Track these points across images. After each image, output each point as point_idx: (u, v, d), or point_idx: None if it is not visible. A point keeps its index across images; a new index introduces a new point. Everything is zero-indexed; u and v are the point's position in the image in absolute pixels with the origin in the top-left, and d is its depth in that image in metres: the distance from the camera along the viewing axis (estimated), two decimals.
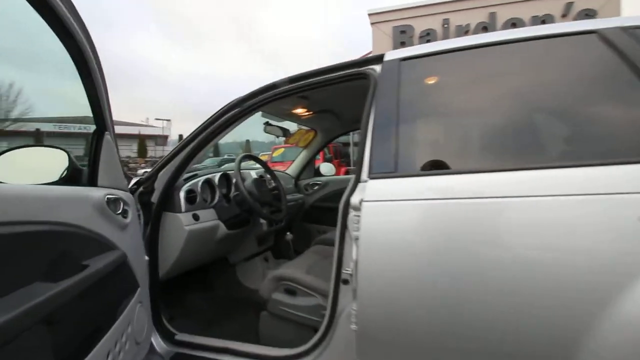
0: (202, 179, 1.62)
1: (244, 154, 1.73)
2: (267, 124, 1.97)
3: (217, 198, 1.66)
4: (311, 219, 2.71)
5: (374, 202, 0.97)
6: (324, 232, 2.64)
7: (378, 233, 0.93)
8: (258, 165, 2.13)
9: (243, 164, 1.73)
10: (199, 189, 1.57)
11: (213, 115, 1.40)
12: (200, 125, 1.41)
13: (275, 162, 9.43)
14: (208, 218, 1.57)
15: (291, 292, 1.36)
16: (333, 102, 1.95)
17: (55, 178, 1.01)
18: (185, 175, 1.57)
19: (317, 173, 2.85)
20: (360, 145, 1.10)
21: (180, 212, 1.45)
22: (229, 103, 1.40)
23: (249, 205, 1.53)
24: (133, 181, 1.39)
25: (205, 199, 1.65)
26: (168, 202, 1.43)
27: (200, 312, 1.82)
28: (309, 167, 2.79)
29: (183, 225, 1.43)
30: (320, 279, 1.36)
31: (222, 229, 1.62)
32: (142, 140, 29.32)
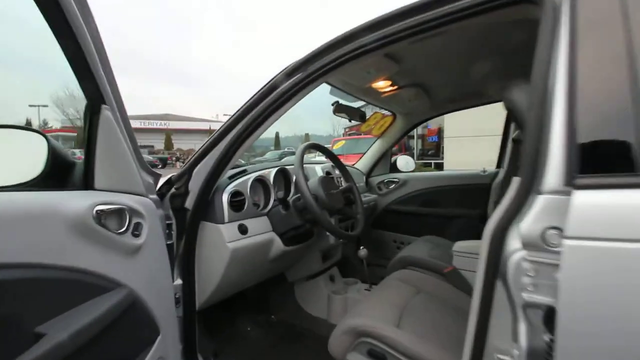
0: (252, 176, 1.21)
1: (309, 142, 1.28)
2: (337, 103, 1.50)
3: (271, 202, 1.24)
4: (385, 225, 2.19)
5: (598, 240, 0.45)
6: (401, 242, 2.12)
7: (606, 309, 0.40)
8: (324, 159, 1.66)
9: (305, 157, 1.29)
10: (248, 191, 1.16)
11: (264, 86, 0.97)
12: (246, 102, 0.98)
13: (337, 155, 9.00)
14: (259, 230, 1.16)
15: (378, 357, 0.88)
16: (430, 69, 1.39)
17: (27, 178, 0.65)
18: (230, 172, 1.18)
19: (393, 168, 2.30)
20: (534, 120, 0.56)
21: (222, 222, 1.05)
22: (285, 68, 0.95)
23: (315, 215, 1.08)
24: (162, 180, 1.03)
25: (257, 203, 1.24)
26: (206, 208, 1.04)
27: (249, 342, 1.44)
28: (384, 161, 2.26)
29: (225, 241, 1.04)
30: (423, 340, 0.85)
31: (278, 244, 1.20)
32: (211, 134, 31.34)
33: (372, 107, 2.03)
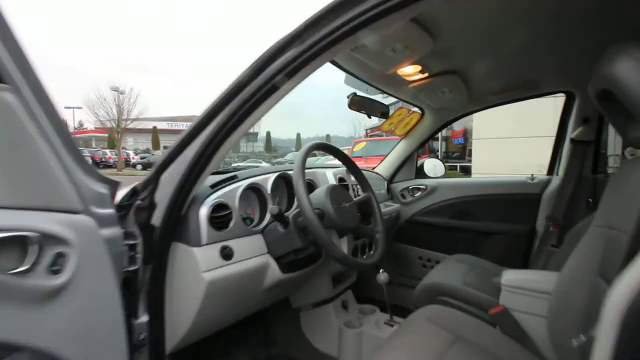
0: (243, 184, 0.96)
1: (314, 142, 1.01)
2: (353, 95, 1.23)
3: (267, 216, 0.98)
4: (409, 238, 1.90)
5: None
6: (427, 260, 1.82)
7: None
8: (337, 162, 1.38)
9: (312, 160, 1.03)
10: (236, 203, 0.91)
11: (250, 66, 0.71)
12: (227, 88, 0.73)
13: (356, 157, 8.67)
14: (250, 252, 0.90)
15: None
16: (473, 49, 1.09)
17: None
18: (213, 179, 0.93)
19: (419, 173, 2.00)
20: None
21: (197, 244, 0.81)
22: (277, 42, 0.69)
23: (317, 238, 0.81)
24: (125, 191, 0.80)
25: (250, 217, 0.99)
26: (178, 226, 0.80)
27: None
28: (408, 165, 1.96)
29: (200, 270, 0.79)
30: None
31: (274, 270, 0.94)
32: None
33: (396, 104, 1.74)
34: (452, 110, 1.67)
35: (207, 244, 0.82)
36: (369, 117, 1.34)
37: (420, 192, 1.88)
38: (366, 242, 1.36)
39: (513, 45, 1.09)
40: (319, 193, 0.94)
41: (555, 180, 1.54)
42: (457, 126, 12.34)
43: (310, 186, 1.16)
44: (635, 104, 0.53)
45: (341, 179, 1.33)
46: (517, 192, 1.64)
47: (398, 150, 1.93)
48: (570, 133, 1.47)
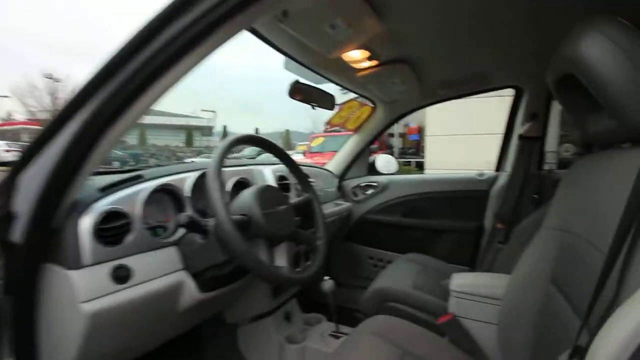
0: (150, 185, 0.77)
1: (239, 135, 0.84)
2: (296, 83, 1.08)
3: (183, 225, 0.81)
4: (361, 238, 1.81)
5: None
6: (379, 260, 1.75)
7: None
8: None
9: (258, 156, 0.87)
10: (140, 209, 0.73)
11: (142, 29, 0.53)
12: (112, 57, 0.55)
13: (314, 152, 8.55)
14: (157, 271, 0.73)
15: None
16: (424, 36, 1.00)
17: None
18: (105, 180, 0.74)
19: (372, 170, 1.92)
20: None
21: (76, 265, 0.62)
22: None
23: (237, 252, 0.66)
24: None
25: (161, 226, 0.81)
26: (48, 242, 0.61)
27: None
28: (361, 161, 1.87)
29: (77, 299, 0.60)
30: None
31: (191, 290, 0.78)
32: (189, 131, 30.17)
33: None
34: (404, 104, 1.59)
35: (91, 265, 0.63)
36: (313, 108, 1.20)
37: (372, 190, 1.80)
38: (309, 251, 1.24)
39: (464, 36, 1.03)
40: (246, 196, 0.78)
41: (503, 177, 1.53)
42: (413, 123, 12.75)
43: (244, 186, 1.00)
44: (602, 87, 0.44)
45: (282, 178, 1.18)
46: (467, 188, 1.62)
47: (350, 146, 1.82)
48: (518, 129, 1.45)
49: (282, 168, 1.22)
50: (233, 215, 0.71)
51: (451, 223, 1.61)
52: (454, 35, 1.02)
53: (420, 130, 12.62)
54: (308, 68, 1.07)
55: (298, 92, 1.09)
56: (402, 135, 14.33)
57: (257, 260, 0.67)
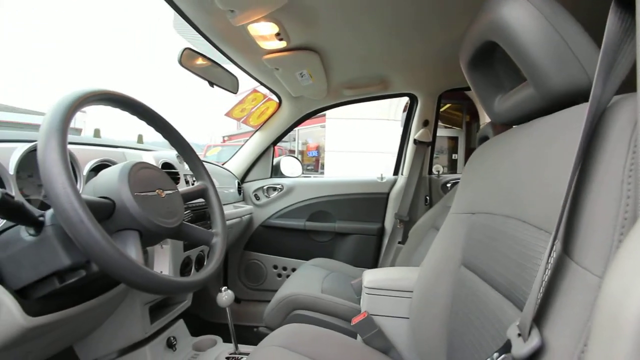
0: None
1: (88, 90, 0.57)
2: (187, 50, 0.89)
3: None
4: (263, 246, 1.66)
5: None
6: (283, 268, 1.63)
7: None
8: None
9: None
10: None
11: None
12: None
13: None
14: None
15: None
16: (338, 21, 0.95)
17: None
18: None
19: (276, 172, 1.80)
20: None
21: None
22: None
23: (90, 250, 0.43)
24: None
25: None
26: None
27: None
28: (264, 162, 1.73)
29: None
30: None
31: (12, 313, 0.49)
32: None
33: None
34: (311, 102, 1.54)
35: None
36: (212, 86, 1.02)
37: (276, 193, 1.68)
38: (205, 252, 1.02)
39: (369, 36, 1.03)
40: (109, 172, 0.55)
41: (401, 180, 1.61)
42: (311, 140, 13.31)
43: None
44: (524, 51, 0.44)
45: (167, 165, 0.95)
46: (369, 191, 1.65)
47: (252, 144, 1.67)
48: (413, 135, 1.56)
49: (168, 155, 0.98)
50: (87, 196, 0.48)
51: (356, 225, 1.61)
52: (361, 31, 1.01)
53: (319, 148, 13.28)
54: (202, 34, 0.89)
55: (190, 59, 0.89)
56: (301, 152, 14.82)
57: (125, 259, 0.45)
